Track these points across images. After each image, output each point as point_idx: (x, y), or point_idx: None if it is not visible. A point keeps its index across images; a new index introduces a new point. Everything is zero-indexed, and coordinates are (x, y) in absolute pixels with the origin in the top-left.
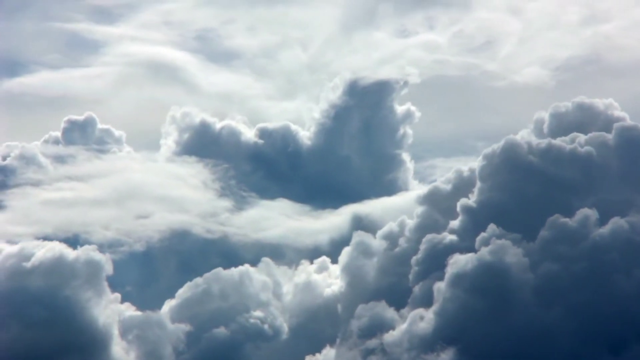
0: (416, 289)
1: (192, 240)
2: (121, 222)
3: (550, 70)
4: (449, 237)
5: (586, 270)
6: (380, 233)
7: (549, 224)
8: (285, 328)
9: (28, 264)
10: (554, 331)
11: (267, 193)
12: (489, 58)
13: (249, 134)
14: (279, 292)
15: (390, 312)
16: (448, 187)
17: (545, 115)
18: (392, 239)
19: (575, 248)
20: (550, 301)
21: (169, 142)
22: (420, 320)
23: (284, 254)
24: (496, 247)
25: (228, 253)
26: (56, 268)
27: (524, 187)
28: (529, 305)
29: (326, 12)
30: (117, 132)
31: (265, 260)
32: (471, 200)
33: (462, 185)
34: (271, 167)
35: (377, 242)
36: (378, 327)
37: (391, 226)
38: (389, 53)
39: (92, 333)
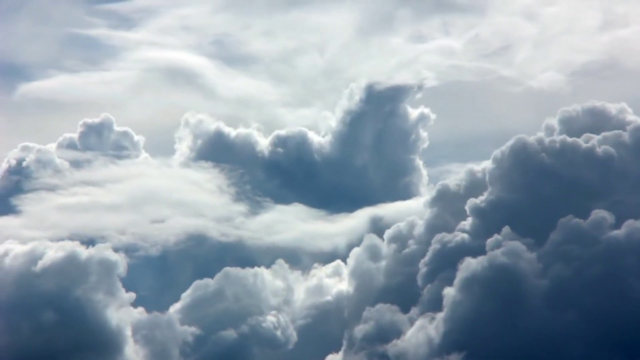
0: (425, 290)
1: (208, 244)
2: (137, 226)
3: (567, 75)
4: (459, 237)
5: (600, 273)
6: (388, 233)
7: (560, 226)
8: (294, 336)
9: (41, 263)
10: (566, 336)
11: (282, 198)
12: (505, 63)
13: (265, 141)
14: (290, 296)
15: (398, 316)
16: (458, 187)
17: (554, 121)
18: (400, 239)
19: (588, 250)
20: (563, 305)
21: (184, 147)
22: (429, 325)
23: (299, 257)
24: (507, 249)
25: (243, 256)
26: (69, 267)
27: (536, 187)
28: (541, 309)
29: (343, 17)
30: (135, 137)
31: (280, 262)
32: (481, 200)
33: (474, 186)
34: (286, 173)
35: (386, 244)
36: (385, 331)
37: (400, 227)
38: (405, 58)
39: (105, 333)
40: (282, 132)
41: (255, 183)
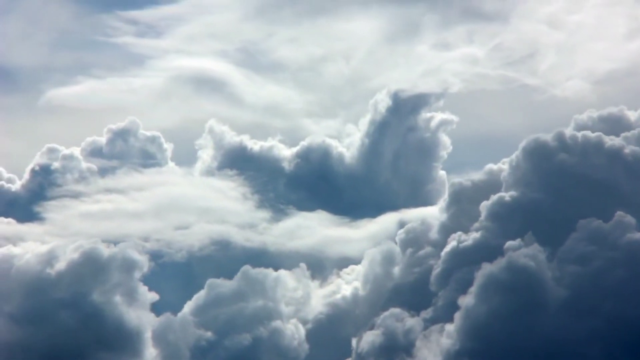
0: (439, 294)
1: (232, 250)
2: (161, 233)
3: (592, 83)
4: (475, 237)
5: (621, 277)
6: (400, 233)
7: (581, 227)
8: (307, 348)
9: (62, 260)
10: (586, 342)
11: (306, 206)
12: (529, 71)
13: (289, 152)
14: (307, 300)
15: (408, 322)
16: (474, 185)
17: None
18: (414, 240)
19: (608, 254)
20: (582, 310)
21: (207, 155)
22: (440, 334)
23: (322, 262)
24: (524, 253)
25: (267, 262)
26: (91, 265)
27: (556, 187)
28: (559, 314)
29: (369, 24)
30: (164, 144)
31: (302, 266)
32: (498, 199)
33: (490, 185)
34: (310, 183)
35: (399, 245)
36: (394, 340)
37: (413, 226)
38: (430, 66)
39: (124, 332)
40: (307, 142)
41: (279, 192)
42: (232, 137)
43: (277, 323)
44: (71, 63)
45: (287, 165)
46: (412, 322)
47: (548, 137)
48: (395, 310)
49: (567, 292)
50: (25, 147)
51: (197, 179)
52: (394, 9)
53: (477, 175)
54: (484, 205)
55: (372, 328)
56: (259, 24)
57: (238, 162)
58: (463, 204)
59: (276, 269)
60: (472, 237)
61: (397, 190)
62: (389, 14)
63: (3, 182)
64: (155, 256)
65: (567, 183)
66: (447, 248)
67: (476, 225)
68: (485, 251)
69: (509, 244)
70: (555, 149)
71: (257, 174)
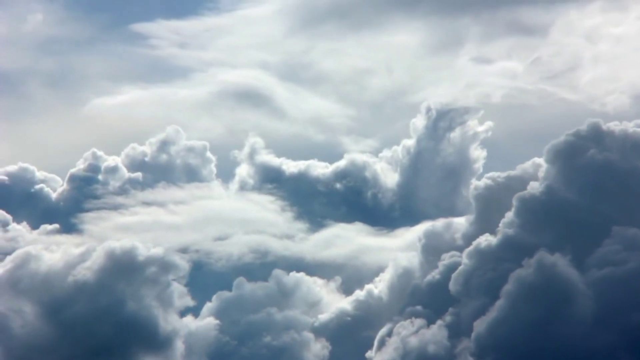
0: (459, 297)
1: (270, 258)
2: (199, 244)
3: (633, 98)
4: (498, 240)
5: None
6: (422, 236)
7: (615, 234)
8: None
9: (98, 260)
10: (616, 354)
11: (344, 218)
12: (569, 86)
13: (326, 169)
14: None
15: (423, 333)
16: (498, 185)
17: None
18: (435, 243)
19: None
20: (610, 322)
21: (246, 172)
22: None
23: (358, 270)
24: (551, 261)
25: (304, 270)
26: (127, 264)
27: (590, 189)
28: (586, 325)
29: (412, 37)
30: (208, 157)
31: (337, 279)
32: (527, 200)
33: (518, 185)
34: (348, 199)
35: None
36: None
37: (434, 229)
38: (469, 80)
39: (158, 333)
40: (345, 160)
41: (317, 206)
42: (272, 159)
43: (303, 334)
44: (116, 72)
45: (324, 183)
46: (427, 332)
47: (582, 129)
48: (409, 321)
49: (596, 301)
50: (68, 151)
51: (235, 192)
52: (437, 20)
53: (504, 175)
54: (513, 203)
55: (389, 335)
56: (302, 37)
57: (276, 180)
58: (488, 206)
59: (312, 276)
60: (496, 239)
61: (435, 203)
62: (433, 25)
63: (43, 185)
64: (194, 266)
65: (603, 184)
66: (469, 250)
67: (502, 226)
68: (510, 254)
69: (540, 252)
70: (589, 144)
71: (295, 190)
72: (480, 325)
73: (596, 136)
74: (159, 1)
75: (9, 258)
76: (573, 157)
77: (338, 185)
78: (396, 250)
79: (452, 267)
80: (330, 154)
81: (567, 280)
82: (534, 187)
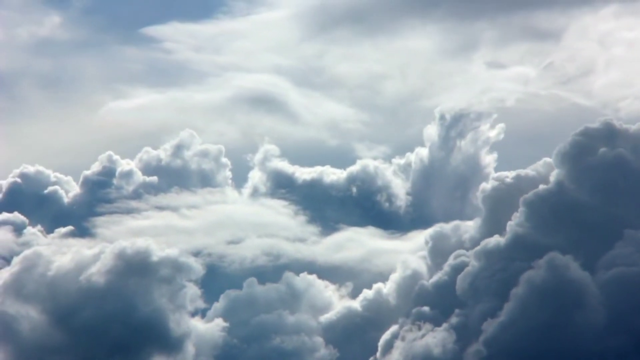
0: (465, 298)
1: (283, 261)
2: (212, 248)
3: None
4: (505, 242)
5: None
6: (428, 238)
7: (626, 237)
8: None
9: (111, 260)
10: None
11: (356, 222)
12: (582, 91)
13: (339, 175)
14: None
15: (428, 337)
16: (508, 187)
17: None
18: (442, 244)
19: None
20: (622, 324)
21: (259, 178)
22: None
23: (370, 272)
24: (561, 263)
25: (316, 272)
26: (141, 264)
27: (602, 190)
28: (596, 331)
29: (427, 41)
30: (223, 162)
31: (348, 285)
32: (535, 201)
33: (526, 187)
34: (360, 204)
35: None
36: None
37: (443, 228)
38: (482, 85)
39: (169, 334)
40: (358, 166)
41: (330, 210)
42: (286, 166)
43: (313, 338)
44: (132, 76)
45: (337, 188)
46: (432, 336)
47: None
48: (417, 323)
49: (607, 304)
50: (83, 154)
51: (248, 197)
52: (452, 25)
53: (513, 174)
54: (522, 204)
55: (395, 338)
56: (316, 41)
57: (289, 186)
58: (497, 207)
59: (323, 280)
60: (505, 239)
61: (447, 208)
62: (447, 30)
63: (57, 187)
64: (207, 269)
65: (616, 182)
66: (476, 250)
67: (511, 225)
68: (519, 254)
69: (551, 253)
70: (601, 143)
71: (308, 195)
72: (489, 328)
73: (608, 134)
74: (173, 4)
75: (16, 259)
76: (584, 155)
77: (351, 190)
78: (408, 253)
79: (458, 268)
80: (343, 160)
81: (578, 282)
82: (545, 188)
